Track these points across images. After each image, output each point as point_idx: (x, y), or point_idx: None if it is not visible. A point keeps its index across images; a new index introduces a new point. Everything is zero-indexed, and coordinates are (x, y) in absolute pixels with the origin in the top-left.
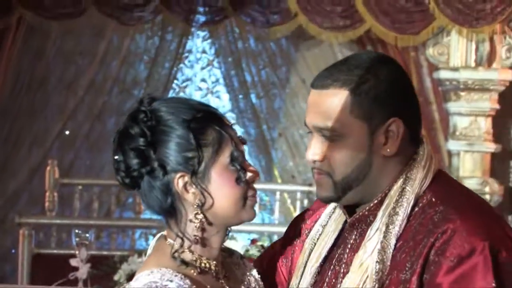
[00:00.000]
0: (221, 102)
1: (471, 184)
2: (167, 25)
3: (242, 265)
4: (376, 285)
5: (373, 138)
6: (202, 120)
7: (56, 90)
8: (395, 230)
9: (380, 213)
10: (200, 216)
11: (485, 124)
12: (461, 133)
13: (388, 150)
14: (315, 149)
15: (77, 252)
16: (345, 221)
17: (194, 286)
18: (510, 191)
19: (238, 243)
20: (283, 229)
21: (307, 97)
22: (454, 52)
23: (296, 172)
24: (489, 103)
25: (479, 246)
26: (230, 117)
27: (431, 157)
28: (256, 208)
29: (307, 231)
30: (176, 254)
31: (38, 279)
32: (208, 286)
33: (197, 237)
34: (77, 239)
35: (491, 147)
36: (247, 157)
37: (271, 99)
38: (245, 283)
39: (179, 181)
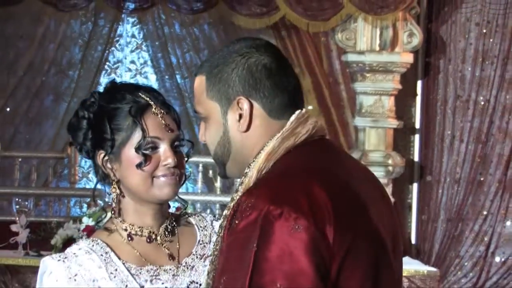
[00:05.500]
0: (149, 82)
1: (376, 157)
2: (99, 12)
3: (210, 227)
4: (215, 249)
5: (227, 117)
6: (122, 109)
7: None
8: (232, 204)
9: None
10: (114, 190)
11: (389, 103)
12: (366, 111)
13: (240, 127)
14: (200, 131)
15: (17, 218)
16: None
17: (108, 249)
18: (411, 164)
19: None
20: (206, 198)
21: None
22: (361, 37)
23: None
24: (392, 83)
25: (254, 214)
26: None
27: (294, 130)
28: (171, 187)
29: None
30: (100, 224)
31: None
32: (136, 250)
33: (115, 208)
34: (17, 206)
35: (394, 123)
36: None
37: (194, 80)
38: (205, 242)
39: (99, 157)
